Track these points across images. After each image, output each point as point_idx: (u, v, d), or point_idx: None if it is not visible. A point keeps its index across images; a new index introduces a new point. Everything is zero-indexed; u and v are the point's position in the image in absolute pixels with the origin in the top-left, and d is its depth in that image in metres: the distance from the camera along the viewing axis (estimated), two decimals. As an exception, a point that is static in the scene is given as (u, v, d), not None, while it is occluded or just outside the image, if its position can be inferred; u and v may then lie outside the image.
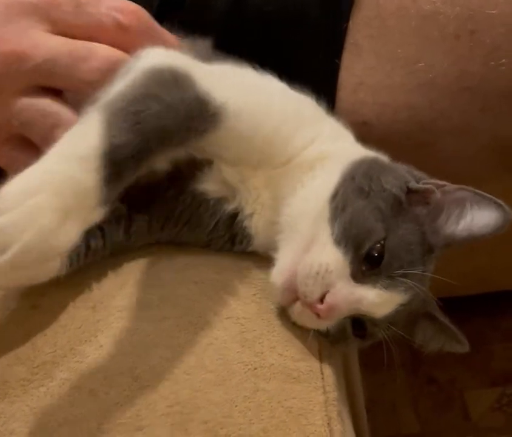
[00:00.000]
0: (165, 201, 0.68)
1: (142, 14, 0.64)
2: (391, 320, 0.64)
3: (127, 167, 0.54)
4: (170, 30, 0.68)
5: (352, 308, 0.62)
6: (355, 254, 0.62)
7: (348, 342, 0.67)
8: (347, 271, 0.62)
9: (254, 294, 0.67)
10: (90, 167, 0.51)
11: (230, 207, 0.69)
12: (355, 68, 0.79)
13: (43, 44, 0.61)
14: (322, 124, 0.71)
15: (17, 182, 0.50)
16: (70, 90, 0.63)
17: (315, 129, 0.69)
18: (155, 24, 0.65)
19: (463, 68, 0.75)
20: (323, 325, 0.63)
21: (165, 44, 0.64)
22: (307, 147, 0.68)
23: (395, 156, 0.73)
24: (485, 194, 0.65)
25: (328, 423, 0.57)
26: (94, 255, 0.65)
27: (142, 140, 0.54)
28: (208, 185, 0.68)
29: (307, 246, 0.64)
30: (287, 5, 0.77)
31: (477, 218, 0.65)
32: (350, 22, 0.77)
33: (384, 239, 0.62)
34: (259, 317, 0.64)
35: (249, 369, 0.59)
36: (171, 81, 0.58)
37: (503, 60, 0.73)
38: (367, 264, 0.62)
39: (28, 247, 0.50)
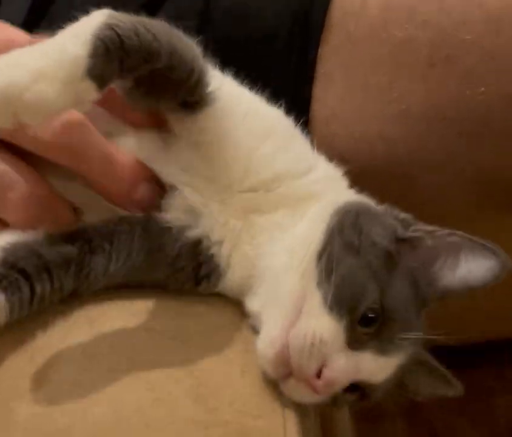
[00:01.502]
0: (125, 238, 0.63)
1: None
2: (390, 381, 0.60)
3: (123, 50, 0.52)
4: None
5: (351, 378, 0.57)
6: (349, 319, 0.57)
7: (340, 407, 0.62)
8: (342, 338, 0.57)
9: (213, 344, 0.61)
10: (82, 41, 0.50)
11: (192, 233, 0.63)
12: (327, 99, 0.74)
13: None
14: (316, 161, 0.67)
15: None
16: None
17: (306, 164, 0.65)
18: None
19: (439, 97, 0.70)
20: (320, 399, 0.58)
21: None
22: (294, 178, 0.64)
23: (377, 197, 0.69)
24: (479, 240, 0.60)
25: None
26: (41, 302, 0.59)
27: (149, 35, 0.54)
28: (171, 213, 0.63)
29: (296, 310, 0.58)
30: (255, 31, 0.74)
31: (473, 267, 0.60)
32: (320, 50, 0.72)
33: (380, 299, 0.58)
34: (218, 368, 0.58)
35: (198, 428, 0.52)
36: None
37: (481, 88, 0.68)
38: (364, 328, 0.58)
39: None
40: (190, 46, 0.59)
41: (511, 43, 0.70)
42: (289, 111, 0.68)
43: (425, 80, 0.70)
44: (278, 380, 0.58)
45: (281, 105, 0.67)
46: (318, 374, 0.56)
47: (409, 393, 0.65)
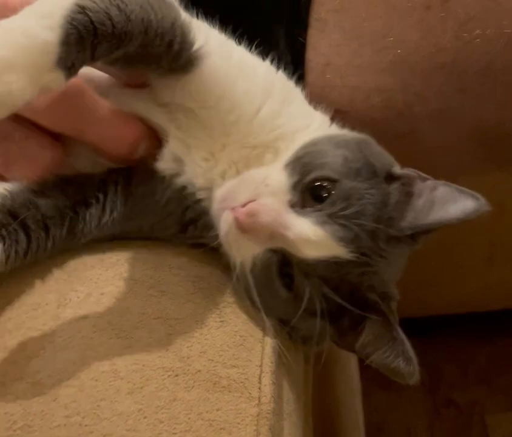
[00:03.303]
0: (119, 188, 0.62)
1: None
2: (323, 273, 0.55)
3: (96, 37, 0.48)
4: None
5: (278, 232, 0.55)
6: (299, 180, 0.56)
7: (274, 289, 0.57)
8: (286, 195, 0.56)
9: (193, 293, 0.59)
10: (52, 24, 0.46)
11: (179, 180, 0.62)
12: (321, 47, 0.71)
13: None
14: (312, 116, 0.65)
15: None
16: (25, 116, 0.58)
17: (304, 121, 0.63)
18: None
19: (435, 42, 0.67)
20: (248, 247, 0.56)
21: None
22: (294, 135, 0.62)
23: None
24: (466, 190, 0.57)
25: (255, 439, 0.49)
26: (34, 257, 0.58)
27: (123, 16, 0.49)
28: (163, 162, 0.62)
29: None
30: None
31: (447, 204, 0.57)
32: None
33: (336, 182, 0.56)
34: (194, 318, 0.57)
35: (168, 375, 0.51)
36: None
37: (478, 31, 0.64)
38: (311, 200, 0.56)
39: None
40: (168, 12, 0.54)
41: None
42: (283, 62, 0.65)
43: (421, 24, 0.67)
44: (219, 219, 0.58)
45: (274, 57, 0.65)
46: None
47: (359, 350, 0.60)
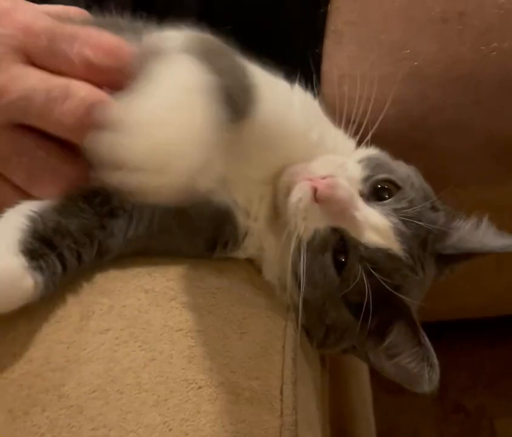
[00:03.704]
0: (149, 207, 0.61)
1: (119, 51, 0.55)
2: (376, 262, 0.58)
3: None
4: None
5: (349, 210, 0.58)
6: (370, 176, 0.62)
7: (324, 266, 0.60)
8: (358, 184, 0.61)
9: (213, 305, 0.60)
10: (210, 99, 0.48)
11: (220, 199, 0.62)
12: (337, 58, 0.72)
13: (20, 79, 0.54)
14: (335, 133, 0.67)
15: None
16: (47, 131, 0.56)
17: (332, 139, 0.66)
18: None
19: (452, 55, 0.68)
20: (314, 218, 0.59)
21: None
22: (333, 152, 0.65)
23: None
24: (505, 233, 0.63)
25: (279, 451, 0.49)
26: (66, 279, 0.57)
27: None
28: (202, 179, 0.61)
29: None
30: None
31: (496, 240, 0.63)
32: (329, 6, 0.69)
33: (400, 189, 0.61)
34: (215, 330, 0.57)
35: (192, 388, 0.52)
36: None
37: (495, 44, 0.65)
38: (375, 198, 0.61)
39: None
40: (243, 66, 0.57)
41: None
42: (300, 73, 0.66)
43: (438, 36, 0.68)
44: (287, 189, 0.60)
45: (291, 73, 0.65)
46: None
47: (378, 355, 0.62)
